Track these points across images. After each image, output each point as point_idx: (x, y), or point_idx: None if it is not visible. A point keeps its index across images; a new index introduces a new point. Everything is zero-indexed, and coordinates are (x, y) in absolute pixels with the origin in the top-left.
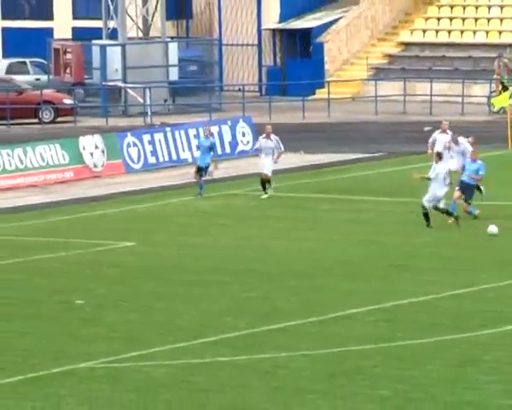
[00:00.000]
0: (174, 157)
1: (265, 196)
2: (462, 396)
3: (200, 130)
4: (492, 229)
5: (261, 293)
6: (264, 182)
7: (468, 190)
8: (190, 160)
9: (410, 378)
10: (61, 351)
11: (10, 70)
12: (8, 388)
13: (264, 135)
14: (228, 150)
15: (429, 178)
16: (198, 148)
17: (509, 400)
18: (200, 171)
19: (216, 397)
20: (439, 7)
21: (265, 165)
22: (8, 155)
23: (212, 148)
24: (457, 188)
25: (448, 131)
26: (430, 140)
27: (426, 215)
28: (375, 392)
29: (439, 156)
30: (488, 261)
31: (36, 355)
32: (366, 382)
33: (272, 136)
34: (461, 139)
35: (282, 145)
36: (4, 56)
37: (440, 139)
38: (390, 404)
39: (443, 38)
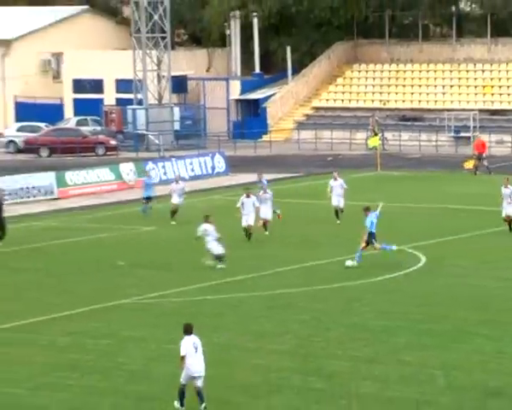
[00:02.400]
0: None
1: (174, 222)
2: (351, 320)
3: (195, 161)
4: (348, 263)
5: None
6: (174, 212)
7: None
8: (187, 177)
9: (319, 311)
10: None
11: (78, 123)
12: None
13: (175, 182)
14: (210, 172)
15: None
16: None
17: (380, 321)
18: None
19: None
20: (336, 85)
21: (175, 199)
22: (78, 174)
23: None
24: None
25: (339, 178)
26: (328, 189)
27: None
28: (298, 317)
29: None
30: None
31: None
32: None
33: (180, 181)
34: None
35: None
36: (75, 115)
37: (335, 185)
38: (307, 325)
39: (338, 104)
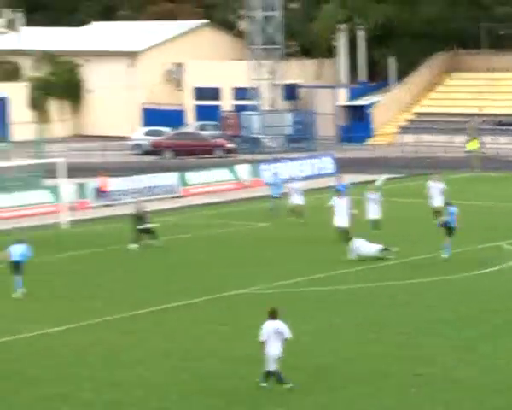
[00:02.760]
0: (290, 176)
1: (302, 220)
2: (445, 311)
3: (305, 162)
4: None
5: None
6: (294, 211)
7: None
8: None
9: (417, 303)
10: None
11: (199, 128)
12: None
13: (294, 182)
14: (319, 172)
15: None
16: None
17: (472, 311)
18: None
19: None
20: (436, 92)
21: (296, 198)
22: (198, 174)
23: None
24: None
25: (440, 182)
26: (426, 190)
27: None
28: (399, 308)
29: None
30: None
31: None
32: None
33: (297, 181)
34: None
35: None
36: (195, 120)
37: (434, 186)
38: (407, 315)
39: (438, 109)
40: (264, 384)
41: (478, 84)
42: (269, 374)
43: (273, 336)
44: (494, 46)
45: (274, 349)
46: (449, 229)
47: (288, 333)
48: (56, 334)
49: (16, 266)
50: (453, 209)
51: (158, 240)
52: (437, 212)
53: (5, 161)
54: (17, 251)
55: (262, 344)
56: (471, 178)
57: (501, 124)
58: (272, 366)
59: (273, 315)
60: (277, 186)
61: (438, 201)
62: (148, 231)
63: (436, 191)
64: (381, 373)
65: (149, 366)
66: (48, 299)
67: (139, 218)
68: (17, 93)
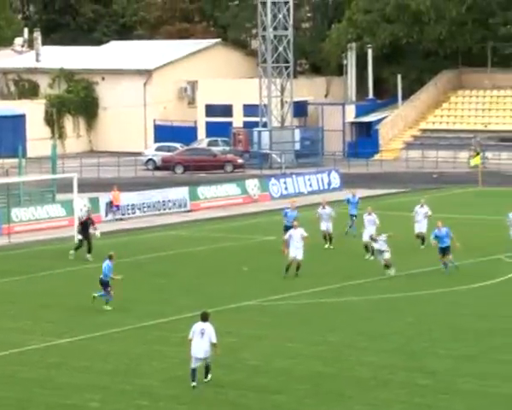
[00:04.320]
0: (297, 190)
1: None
2: (452, 321)
3: (312, 177)
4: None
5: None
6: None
7: None
8: (306, 192)
9: (423, 313)
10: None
11: (209, 144)
12: None
13: (321, 207)
14: (326, 187)
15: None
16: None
17: (478, 323)
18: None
19: None
20: (442, 109)
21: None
22: (208, 189)
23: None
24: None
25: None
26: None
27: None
28: (404, 319)
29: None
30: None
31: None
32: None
33: (327, 206)
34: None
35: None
36: (207, 136)
37: (419, 211)
38: (411, 326)
39: (444, 126)
40: (194, 384)
41: (483, 101)
42: (194, 372)
43: (198, 335)
44: (499, 64)
45: (199, 349)
46: (442, 249)
47: (214, 338)
48: (68, 344)
49: (100, 282)
50: (444, 230)
51: (91, 254)
52: (419, 237)
53: (21, 176)
54: (105, 268)
55: (190, 342)
56: (476, 193)
57: (504, 140)
58: (194, 364)
59: (203, 317)
60: (353, 205)
61: (421, 226)
62: (88, 242)
63: (421, 216)
64: (382, 382)
65: (157, 376)
66: (68, 309)
67: (85, 226)
68: (34, 110)
